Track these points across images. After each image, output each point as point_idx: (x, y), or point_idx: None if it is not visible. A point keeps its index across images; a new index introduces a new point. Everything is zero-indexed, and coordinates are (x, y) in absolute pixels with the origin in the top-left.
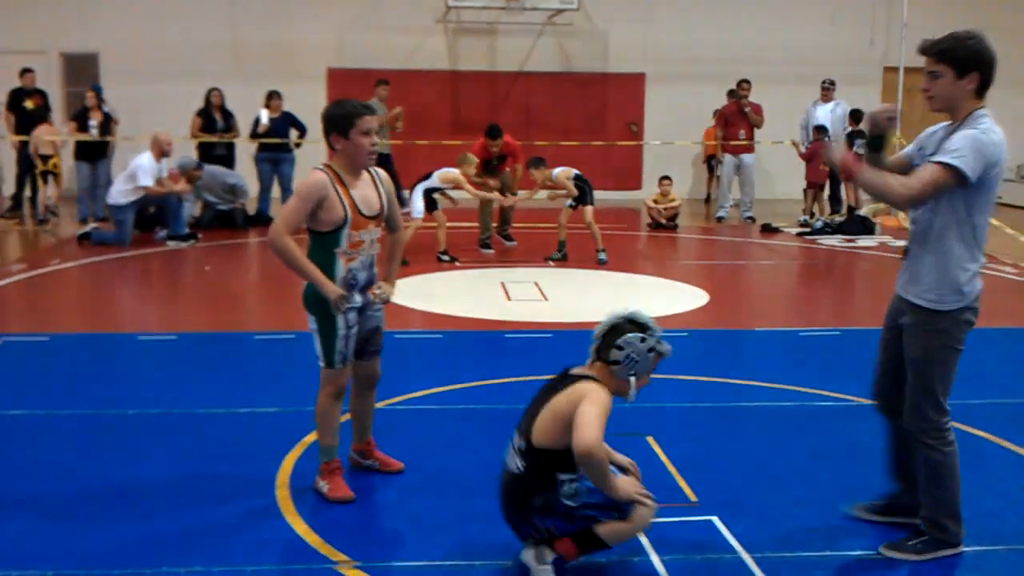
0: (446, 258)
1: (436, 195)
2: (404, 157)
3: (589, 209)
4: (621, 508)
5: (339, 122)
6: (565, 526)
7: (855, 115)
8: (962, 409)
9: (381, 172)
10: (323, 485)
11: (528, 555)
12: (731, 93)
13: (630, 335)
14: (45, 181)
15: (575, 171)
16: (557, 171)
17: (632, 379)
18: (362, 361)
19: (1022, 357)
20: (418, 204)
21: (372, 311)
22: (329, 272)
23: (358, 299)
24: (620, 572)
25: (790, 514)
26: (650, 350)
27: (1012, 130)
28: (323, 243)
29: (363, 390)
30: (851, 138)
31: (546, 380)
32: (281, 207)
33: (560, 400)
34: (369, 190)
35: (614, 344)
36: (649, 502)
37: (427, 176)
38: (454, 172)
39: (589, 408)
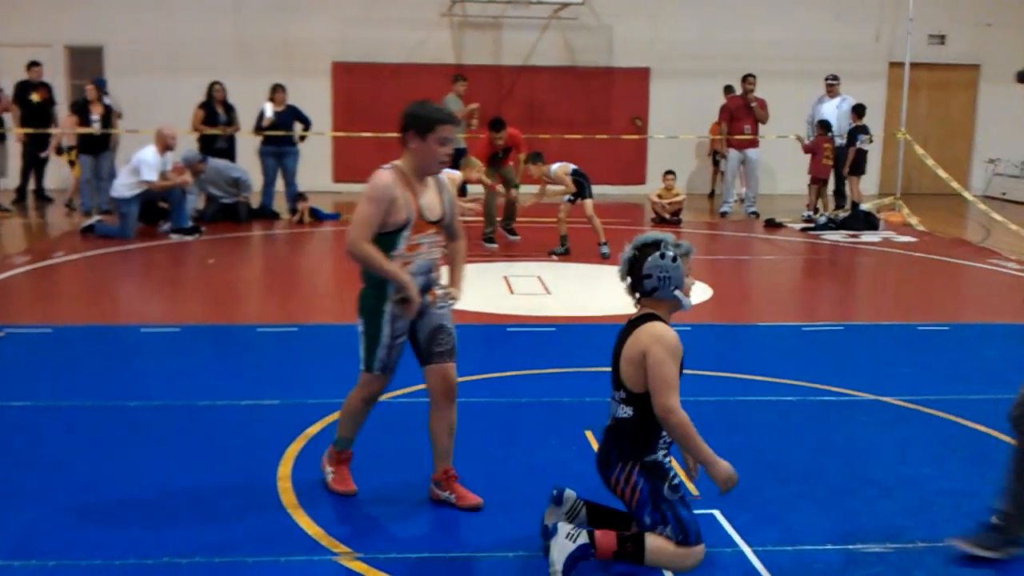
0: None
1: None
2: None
3: (589, 203)
4: (689, 533)
5: (420, 123)
6: (644, 499)
7: (858, 110)
8: (965, 404)
9: (445, 179)
10: (329, 472)
11: (564, 525)
12: (727, 89)
13: (649, 259)
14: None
15: (573, 166)
16: (555, 167)
17: (677, 292)
18: (432, 365)
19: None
20: None
21: (434, 309)
22: (378, 329)
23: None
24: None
25: (792, 508)
26: (674, 259)
27: (1014, 127)
28: (379, 244)
29: (440, 402)
30: (853, 134)
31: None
32: (356, 211)
33: (627, 348)
34: (433, 196)
35: (642, 275)
36: (732, 480)
37: None
38: (456, 174)
39: (657, 370)
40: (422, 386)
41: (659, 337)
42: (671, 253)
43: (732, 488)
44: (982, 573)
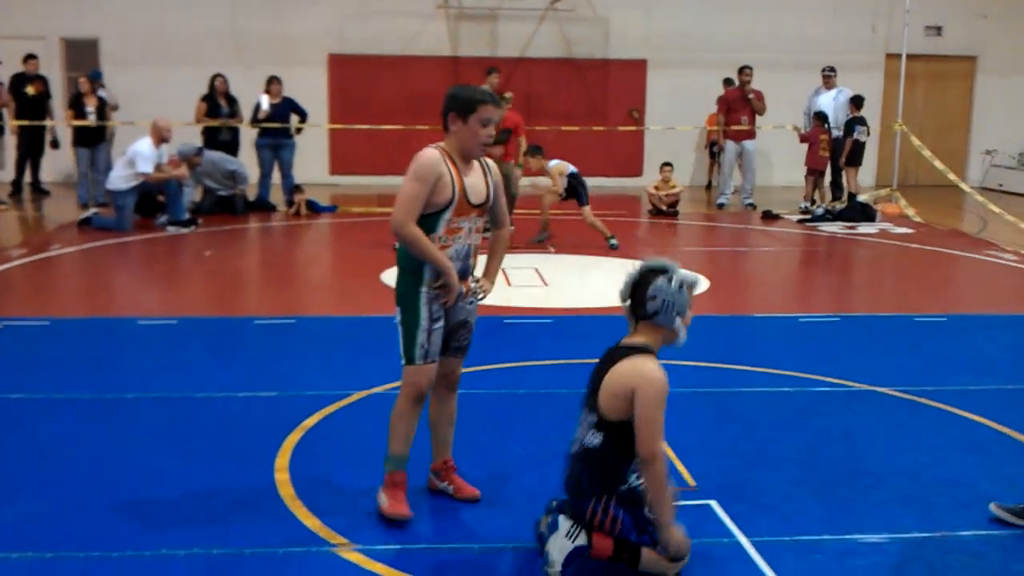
0: None
1: None
2: (404, 143)
3: (587, 210)
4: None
5: (462, 104)
6: (627, 529)
7: (856, 101)
8: (962, 395)
9: (492, 164)
10: (383, 498)
11: (563, 522)
12: (727, 81)
13: (655, 283)
14: None
15: (572, 168)
16: (553, 163)
17: (677, 320)
18: (445, 357)
19: (1020, 343)
20: None
21: (464, 302)
22: (416, 319)
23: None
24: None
25: (788, 498)
26: (680, 287)
27: (1011, 119)
28: (419, 226)
29: (443, 393)
30: (851, 125)
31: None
32: (399, 197)
33: (612, 377)
34: (479, 179)
35: (646, 298)
36: (683, 550)
37: None
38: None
39: (647, 412)
40: None
41: (651, 379)
42: (678, 280)
43: (682, 557)
44: (979, 563)
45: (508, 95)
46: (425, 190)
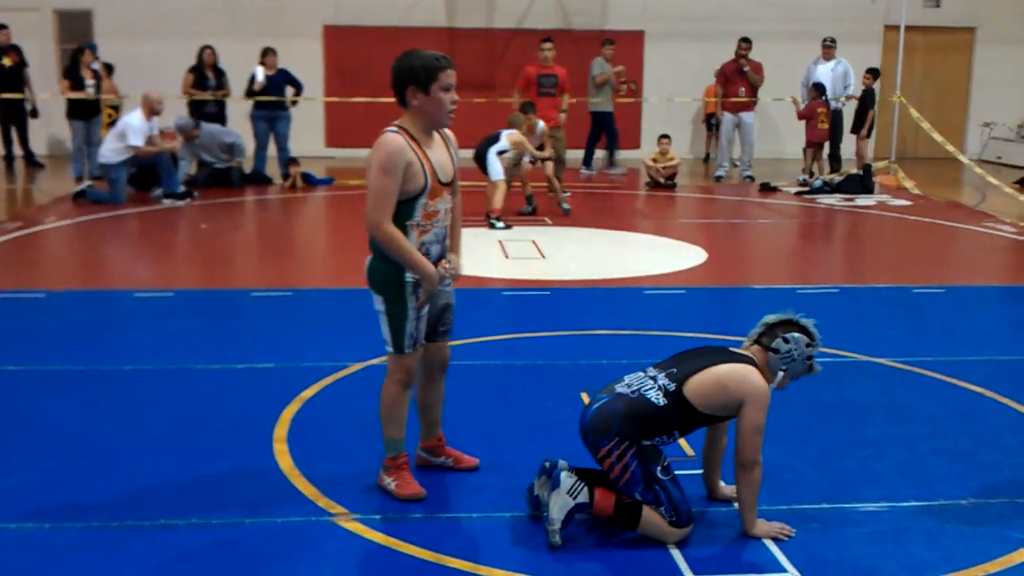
0: (500, 224)
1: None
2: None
3: (550, 164)
4: (681, 513)
5: (419, 75)
6: (635, 480)
7: (874, 72)
8: (960, 366)
9: (449, 133)
10: (390, 482)
11: (565, 479)
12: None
13: (799, 334)
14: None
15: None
16: (543, 125)
17: (781, 374)
18: (434, 342)
19: (1019, 314)
20: (496, 166)
21: (442, 286)
22: (405, 312)
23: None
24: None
25: (787, 467)
26: (808, 357)
27: (1010, 90)
28: (396, 214)
29: (433, 376)
30: (870, 96)
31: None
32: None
33: (727, 372)
34: (443, 153)
35: (782, 335)
36: (783, 534)
37: (495, 138)
38: (517, 135)
39: (757, 416)
40: None
41: (762, 393)
42: (812, 352)
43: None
44: (976, 531)
45: (620, 68)
46: (396, 182)
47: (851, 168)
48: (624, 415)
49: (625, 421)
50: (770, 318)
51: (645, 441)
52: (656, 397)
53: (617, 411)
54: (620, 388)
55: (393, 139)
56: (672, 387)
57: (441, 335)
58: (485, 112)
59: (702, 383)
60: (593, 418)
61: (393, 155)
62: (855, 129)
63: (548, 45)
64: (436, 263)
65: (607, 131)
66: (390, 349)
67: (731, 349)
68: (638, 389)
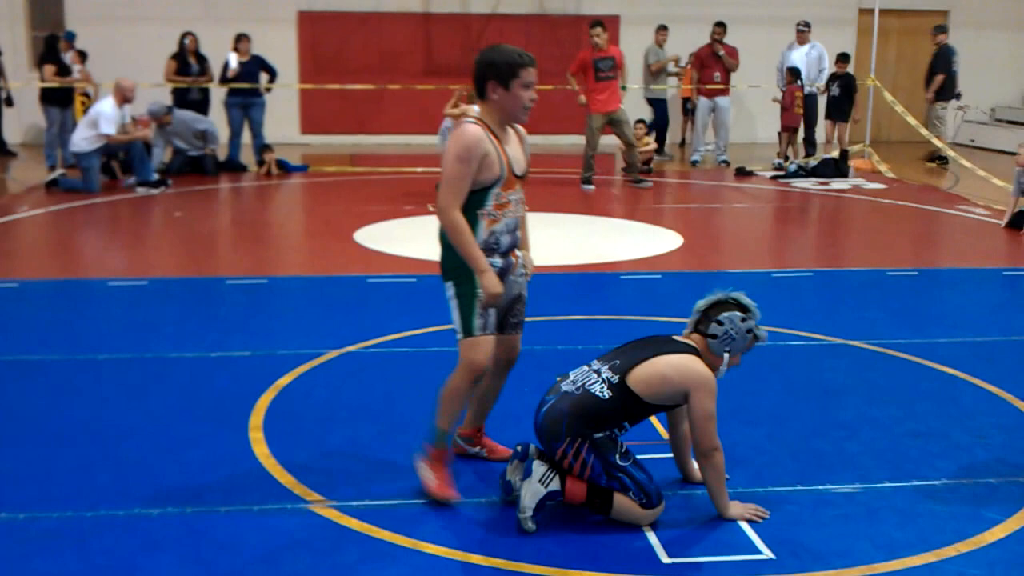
0: None
1: None
2: (375, 101)
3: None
4: (650, 494)
5: (501, 70)
6: (597, 473)
7: (844, 58)
8: (933, 347)
9: (522, 129)
10: (428, 474)
11: (537, 467)
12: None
13: (732, 312)
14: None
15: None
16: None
17: (726, 355)
18: (503, 335)
19: (992, 297)
20: None
21: (515, 276)
22: (472, 297)
23: (498, 262)
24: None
25: (762, 450)
26: (748, 331)
27: (983, 73)
28: (467, 203)
29: (501, 371)
30: (852, 81)
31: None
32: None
33: (669, 364)
34: (517, 147)
35: (715, 319)
36: (758, 516)
37: None
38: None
39: (706, 404)
40: (394, 336)
41: (705, 380)
42: (750, 324)
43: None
44: (949, 510)
45: (675, 56)
46: (470, 171)
47: (832, 152)
48: (571, 413)
49: (573, 419)
50: (701, 303)
51: (597, 434)
52: (601, 391)
53: (564, 411)
54: (565, 386)
55: (473, 130)
56: (616, 379)
57: (511, 327)
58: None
59: (646, 374)
60: (543, 421)
61: (471, 146)
62: (844, 116)
63: (598, 30)
64: (508, 252)
65: (658, 119)
66: (460, 335)
67: (674, 338)
68: (582, 384)
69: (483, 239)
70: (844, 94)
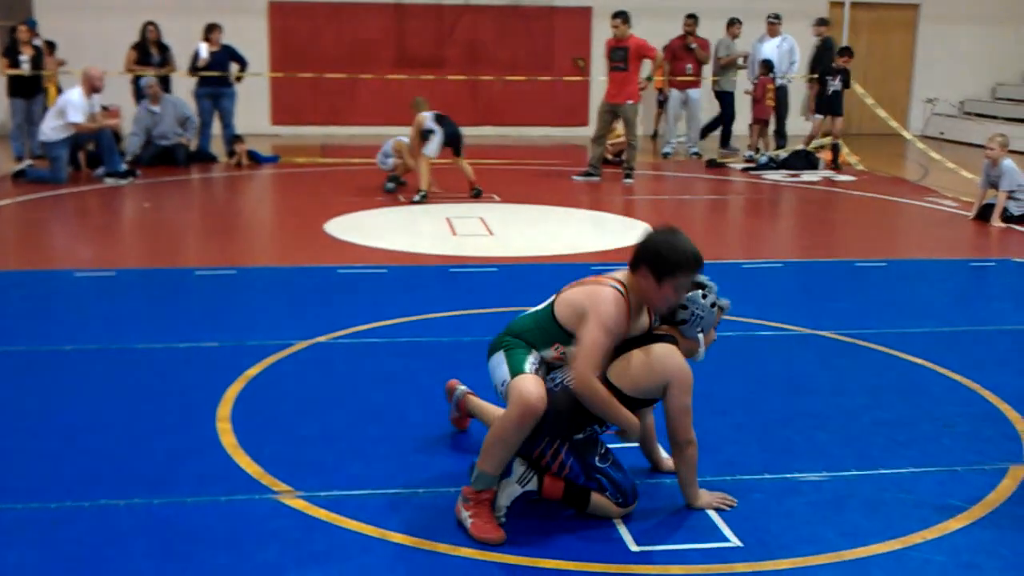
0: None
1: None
2: (347, 92)
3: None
4: (627, 494)
5: (661, 266)
6: (575, 474)
7: (845, 52)
8: (901, 338)
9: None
10: (467, 517)
11: (516, 467)
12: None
13: (691, 294)
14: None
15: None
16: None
17: (700, 336)
18: None
19: (958, 287)
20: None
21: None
22: (523, 360)
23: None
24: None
25: (731, 440)
26: (712, 305)
27: (953, 67)
28: (554, 334)
29: None
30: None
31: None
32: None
33: (650, 355)
34: (644, 320)
35: (679, 306)
36: (726, 504)
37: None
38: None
39: (682, 398)
40: (364, 327)
41: (684, 373)
42: (712, 299)
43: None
44: (914, 498)
45: (744, 52)
46: (613, 342)
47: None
48: (550, 411)
49: (552, 417)
50: None
51: (577, 435)
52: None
53: (551, 412)
54: (546, 383)
55: (619, 300)
56: (600, 376)
57: None
58: (432, 89)
59: (626, 368)
60: None
61: (620, 321)
62: (833, 111)
63: (616, 21)
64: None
65: (724, 112)
66: (508, 379)
67: (652, 331)
68: (561, 381)
69: (539, 364)
70: (844, 88)
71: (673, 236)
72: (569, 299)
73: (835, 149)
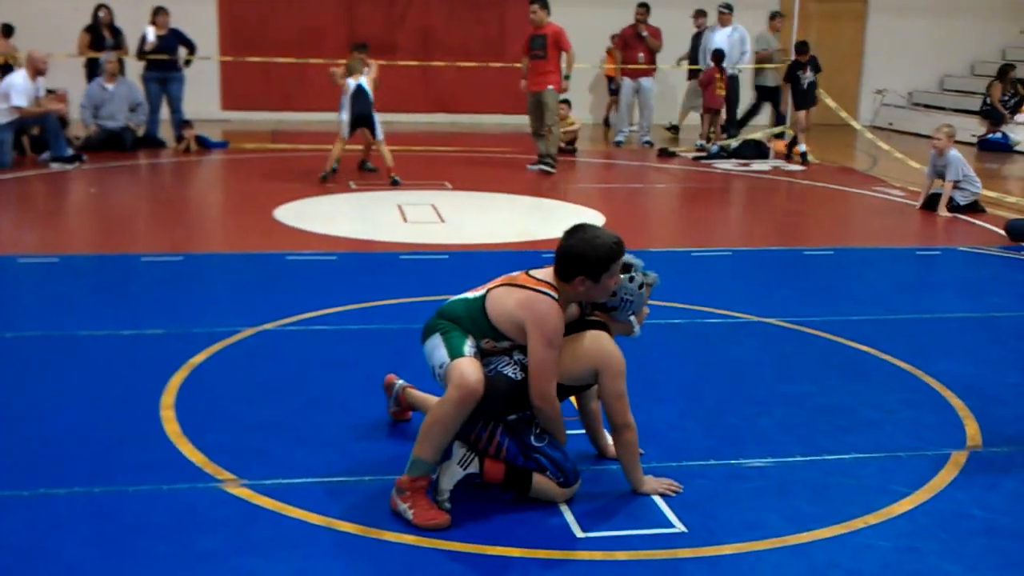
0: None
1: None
2: (297, 77)
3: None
4: (567, 473)
5: (594, 268)
6: (513, 455)
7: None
8: (846, 325)
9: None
10: (405, 508)
11: (456, 449)
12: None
13: (619, 279)
14: None
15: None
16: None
17: (632, 318)
18: None
19: (905, 276)
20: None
21: None
22: (461, 343)
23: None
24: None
25: (675, 425)
26: (640, 286)
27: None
28: (486, 332)
29: None
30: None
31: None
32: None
33: (580, 342)
34: (574, 308)
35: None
36: (671, 490)
37: (366, 93)
38: (367, 78)
39: (615, 383)
40: (312, 314)
41: (614, 358)
42: (639, 279)
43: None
44: (857, 483)
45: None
46: (559, 350)
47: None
48: (484, 396)
49: (485, 403)
50: None
51: (510, 416)
52: (514, 372)
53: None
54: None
55: (558, 312)
56: (528, 361)
57: None
58: (383, 75)
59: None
60: None
61: (561, 330)
62: (808, 104)
63: (534, 7)
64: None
65: (762, 104)
66: (447, 362)
67: (584, 317)
68: (495, 367)
69: (474, 352)
70: (811, 85)
71: (589, 235)
72: (505, 308)
73: (793, 142)
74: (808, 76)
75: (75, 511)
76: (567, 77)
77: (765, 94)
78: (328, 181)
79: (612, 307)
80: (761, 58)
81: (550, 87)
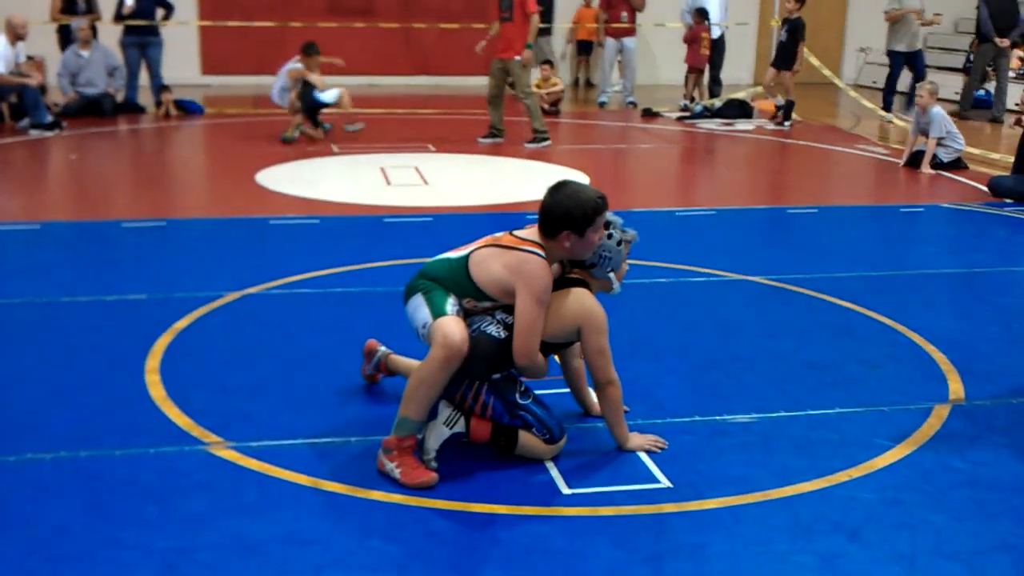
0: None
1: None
2: (277, 41)
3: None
4: (552, 430)
5: (578, 222)
6: (499, 413)
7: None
8: (830, 282)
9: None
10: (393, 468)
11: (442, 409)
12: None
13: (602, 233)
14: None
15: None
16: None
17: (611, 275)
18: None
19: (888, 232)
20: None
21: None
22: (443, 302)
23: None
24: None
25: (661, 383)
26: (619, 243)
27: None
28: (469, 292)
29: None
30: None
31: None
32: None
33: (561, 299)
34: (556, 267)
35: None
36: (656, 446)
37: None
38: (299, 67)
39: (597, 339)
40: (296, 277)
41: (595, 314)
42: (617, 236)
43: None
44: (840, 438)
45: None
46: (546, 308)
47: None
48: (468, 356)
49: (470, 362)
50: None
51: (494, 375)
52: (496, 331)
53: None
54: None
55: (546, 269)
56: (511, 320)
57: None
58: (364, 38)
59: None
60: None
61: (549, 290)
62: (787, 64)
63: None
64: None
65: (912, 70)
66: (430, 321)
67: (564, 275)
68: (478, 327)
69: (456, 311)
70: (790, 40)
71: (572, 190)
72: (491, 271)
73: (788, 106)
74: (782, 35)
75: (61, 475)
76: (529, 46)
77: (896, 61)
78: (289, 145)
79: (591, 264)
80: (892, 19)
81: (517, 57)
